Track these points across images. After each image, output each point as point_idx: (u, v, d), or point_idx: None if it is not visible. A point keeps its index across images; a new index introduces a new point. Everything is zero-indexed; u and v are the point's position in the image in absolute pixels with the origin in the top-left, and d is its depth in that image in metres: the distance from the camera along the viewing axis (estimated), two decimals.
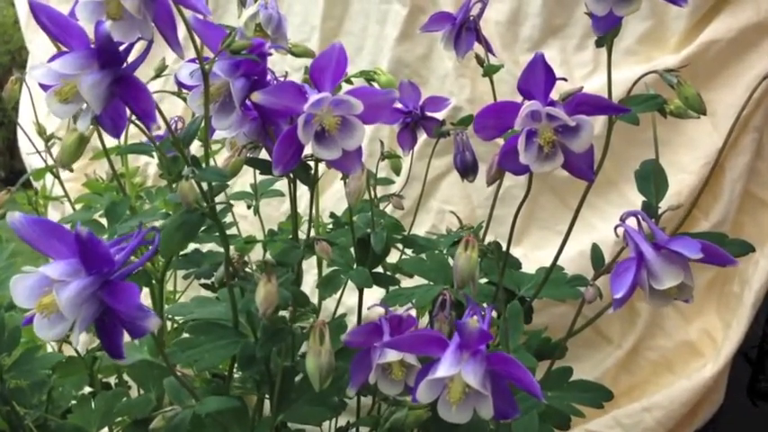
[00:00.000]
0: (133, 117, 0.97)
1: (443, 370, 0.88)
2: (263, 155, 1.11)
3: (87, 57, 0.87)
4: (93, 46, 0.88)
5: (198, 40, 0.98)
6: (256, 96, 0.94)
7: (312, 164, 1.12)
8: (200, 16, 0.95)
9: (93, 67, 0.87)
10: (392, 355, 0.99)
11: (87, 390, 1.61)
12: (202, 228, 1.09)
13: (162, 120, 0.98)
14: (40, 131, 1.75)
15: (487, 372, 0.89)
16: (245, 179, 1.61)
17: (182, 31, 0.92)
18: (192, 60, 0.99)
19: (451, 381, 0.88)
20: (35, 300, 0.79)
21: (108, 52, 0.87)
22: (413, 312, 1.11)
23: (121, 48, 0.89)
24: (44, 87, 0.88)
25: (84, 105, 0.88)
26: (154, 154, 1.14)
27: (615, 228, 1.01)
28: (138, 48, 0.93)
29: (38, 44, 2.76)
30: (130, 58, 0.92)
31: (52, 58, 0.87)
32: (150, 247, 0.91)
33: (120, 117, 0.93)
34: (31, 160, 2.48)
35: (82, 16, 0.83)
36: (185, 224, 1.02)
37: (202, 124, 1.03)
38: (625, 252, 1.02)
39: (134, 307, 0.80)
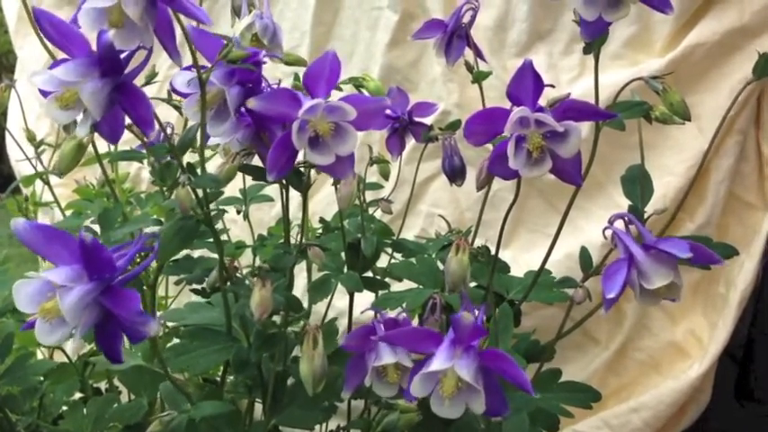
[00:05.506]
0: (128, 123, 0.97)
1: (437, 363, 0.89)
2: (255, 161, 1.12)
3: (89, 64, 0.87)
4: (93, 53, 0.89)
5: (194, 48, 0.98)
6: (252, 102, 0.94)
7: (303, 169, 1.13)
8: (195, 24, 0.95)
9: (95, 74, 0.87)
10: (388, 358, 0.99)
11: (78, 395, 1.61)
12: None
13: (158, 126, 0.99)
14: (30, 137, 1.75)
15: (480, 367, 0.91)
16: (235, 184, 1.62)
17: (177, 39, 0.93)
18: (188, 68, 0.99)
19: (445, 375, 0.90)
20: (37, 305, 0.80)
21: (109, 60, 0.87)
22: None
23: (122, 56, 0.90)
24: (44, 93, 0.88)
25: (83, 112, 0.88)
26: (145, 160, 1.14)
27: (603, 230, 1.02)
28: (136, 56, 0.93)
29: (27, 50, 2.76)
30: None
31: (54, 65, 0.88)
32: (148, 253, 0.92)
33: (119, 124, 0.94)
34: (21, 167, 2.47)
35: (84, 23, 0.84)
36: (182, 230, 1.03)
37: (198, 132, 1.04)
38: (613, 254, 1.04)
39: (135, 312, 0.81)
